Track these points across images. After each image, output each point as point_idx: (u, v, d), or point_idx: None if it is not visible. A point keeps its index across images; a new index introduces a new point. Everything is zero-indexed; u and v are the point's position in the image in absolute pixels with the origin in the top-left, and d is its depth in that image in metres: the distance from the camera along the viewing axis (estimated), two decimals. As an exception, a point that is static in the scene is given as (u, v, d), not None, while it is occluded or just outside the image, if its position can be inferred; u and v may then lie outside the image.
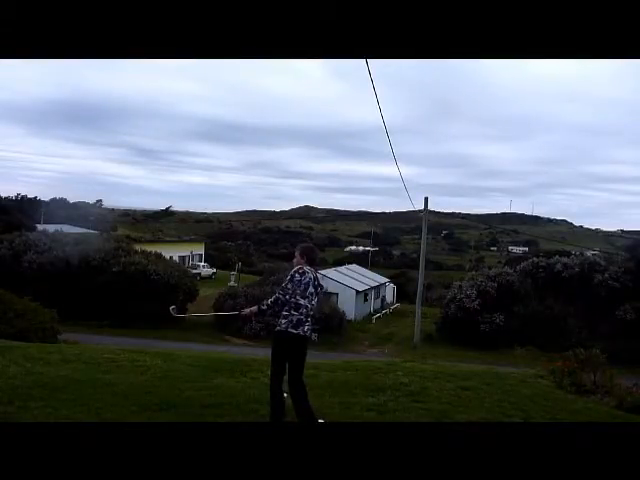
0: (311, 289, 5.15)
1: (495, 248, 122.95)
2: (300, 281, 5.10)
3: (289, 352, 5.08)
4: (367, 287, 40.62)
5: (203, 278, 44.70)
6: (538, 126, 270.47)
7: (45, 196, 68.87)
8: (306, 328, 5.10)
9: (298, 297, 5.07)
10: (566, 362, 9.03)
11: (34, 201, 59.48)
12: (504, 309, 31.03)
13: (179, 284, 29.96)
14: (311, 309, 5.17)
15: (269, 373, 5.68)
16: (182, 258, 47.36)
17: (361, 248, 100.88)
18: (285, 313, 5.05)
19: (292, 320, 5.03)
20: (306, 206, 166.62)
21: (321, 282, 5.42)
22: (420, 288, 30.53)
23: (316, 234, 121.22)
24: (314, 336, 30.55)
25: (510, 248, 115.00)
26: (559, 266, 33.13)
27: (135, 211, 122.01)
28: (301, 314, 5.06)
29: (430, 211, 30.47)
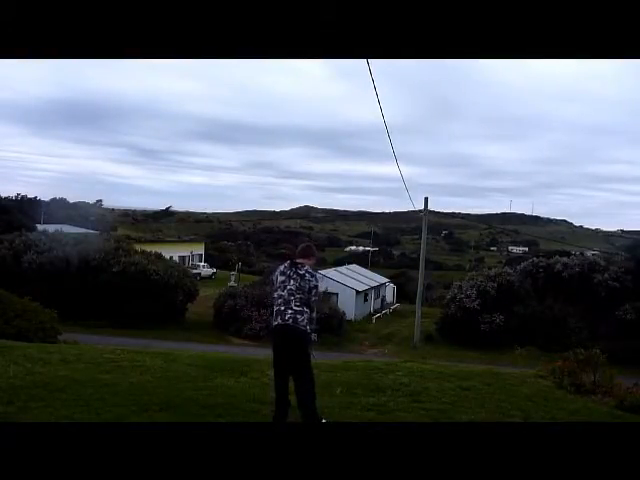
0: (281, 277, 5.12)
1: (495, 248, 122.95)
2: (273, 279, 5.26)
3: (278, 346, 5.04)
4: (367, 287, 40.61)
5: (203, 278, 44.69)
6: (538, 126, 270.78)
7: (45, 196, 68.79)
8: (287, 316, 4.95)
9: (274, 293, 5.16)
10: (566, 362, 9.02)
11: (34, 201, 59.37)
12: (504, 309, 31.01)
13: (179, 284, 29.95)
14: (289, 295, 5.01)
15: (271, 374, 5.67)
16: (182, 258, 47.35)
17: (361, 248, 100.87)
18: None
19: (273, 314, 5.07)
20: (306, 206, 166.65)
21: (298, 270, 5.13)
22: (420, 288, 30.54)
23: (316, 234, 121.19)
24: (314, 336, 30.08)
25: (510, 248, 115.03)
26: (559, 266, 33.12)
27: (135, 211, 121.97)
28: (278, 305, 5.03)
29: (430, 211, 30.49)
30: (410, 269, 58.87)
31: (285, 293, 5.03)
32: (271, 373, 6.79)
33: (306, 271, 5.13)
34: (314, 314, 5.20)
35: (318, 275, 5.37)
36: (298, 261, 5.21)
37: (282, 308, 4.99)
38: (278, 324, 4.98)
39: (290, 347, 4.99)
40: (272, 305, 5.17)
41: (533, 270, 33.98)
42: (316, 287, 5.21)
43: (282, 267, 5.21)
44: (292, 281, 5.07)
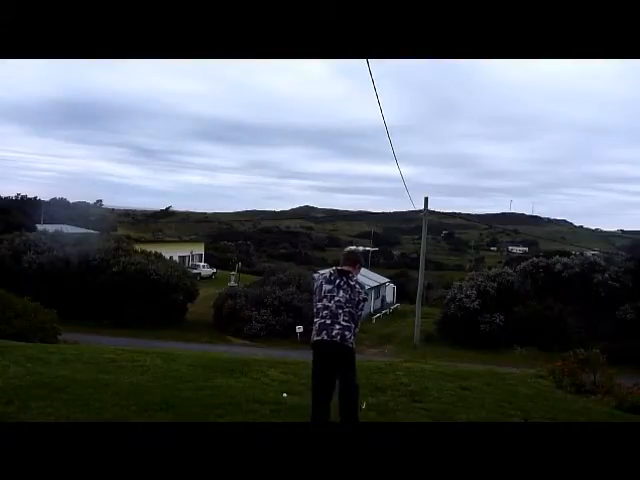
0: (327, 287, 4.64)
1: (495, 248, 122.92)
2: (315, 287, 4.79)
3: (321, 361, 4.63)
4: (367, 287, 40.60)
5: (203, 278, 44.67)
6: (539, 126, 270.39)
7: (45, 196, 68.76)
8: (334, 332, 4.49)
9: (317, 302, 4.69)
10: (566, 362, 9.03)
11: (34, 201, 59.33)
12: (504, 309, 31.01)
13: (179, 284, 29.95)
14: (337, 307, 4.56)
15: (271, 374, 5.59)
16: (182, 258, 47.32)
17: (361, 248, 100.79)
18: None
19: (315, 327, 4.62)
20: (306, 206, 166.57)
21: (349, 280, 4.69)
22: (420, 288, 30.51)
23: (316, 234, 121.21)
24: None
25: (510, 248, 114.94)
26: (559, 266, 33.14)
27: (135, 211, 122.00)
28: (323, 317, 4.56)
29: (430, 211, 30.44)
30: (410, 269, 58.90)
31: (332, 305, 4.57)
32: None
33: (356, 282, 4.73)
34: (357, 330, 4.74)
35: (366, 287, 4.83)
36: (345, 269, 4.77)
37: (328, 322, 4.53)
38: (323, 340, 4.52)
39: (336, 365, 4.61)
40: (315, 315, 4.68)
41: (533, 270, 33.98)
42: (365, 300, 4.79)
43: (327, 274, 4.76)
44: (342, 292, 4.62)
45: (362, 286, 4.82)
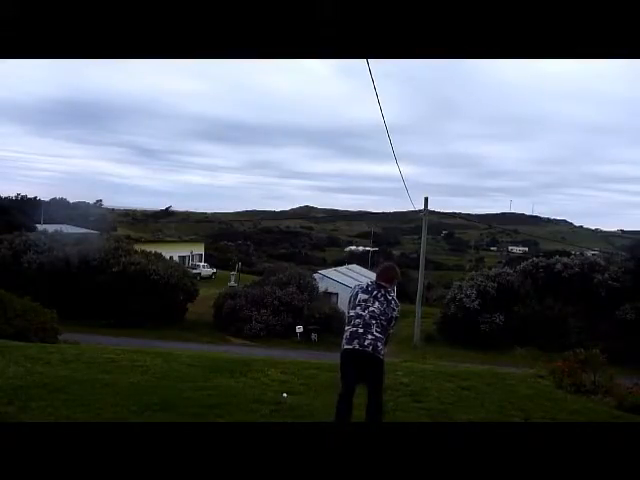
0: (362, 296, 4.63)
1: (495, 248, 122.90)
2: (350, 296, 4.78)
3: (350, 369, 4.59)
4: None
5: (203, 278, 44.66)
6: (539, 126, 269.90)
7: (45, 196, 68.70)
8: (367, 342, 4.44)
9: (350, 311, 4.67)
10: (566, 362, 9.03)
11: (34, 201, 59.31)
12: (504, 309, 31.01)
13: (179, 284, 29.94)
14: (371, 317, 4.52)
15: (271, 374, 5.57)
16: (182, 258, 47.29)
17: (361, 248, 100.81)
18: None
19: (346, 335, 4.57)
20: (306, 206, 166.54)
21: (387, 293, 4.71)
22: (420, 288, 30.49)
23: (316, 234, 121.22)
24: (314, 336, 30.24)
25: (510, 248, 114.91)
26: (559, 266, 33.14)
27: (135, 211, 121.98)
28: (354, 325, 4.52)
29: (430, 211, 30.42)
30: (410, 269, 58.87)
31: (366, 314, 4.53)
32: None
33: (393, 298, 4.73)
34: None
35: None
36: (382, 283, 4.77)
37: (361, 331, 4.49)
38: (355, 348, 4.47)
39: (365, 374, 4.59)
40: (347, 323, 4.67)
41: (533, 270, 33.98)
42: (397, 319, 4.77)
43: (364, 285, 4.79)
44: (377, 303, 4.60)
45: (397, 304, 4.78)
